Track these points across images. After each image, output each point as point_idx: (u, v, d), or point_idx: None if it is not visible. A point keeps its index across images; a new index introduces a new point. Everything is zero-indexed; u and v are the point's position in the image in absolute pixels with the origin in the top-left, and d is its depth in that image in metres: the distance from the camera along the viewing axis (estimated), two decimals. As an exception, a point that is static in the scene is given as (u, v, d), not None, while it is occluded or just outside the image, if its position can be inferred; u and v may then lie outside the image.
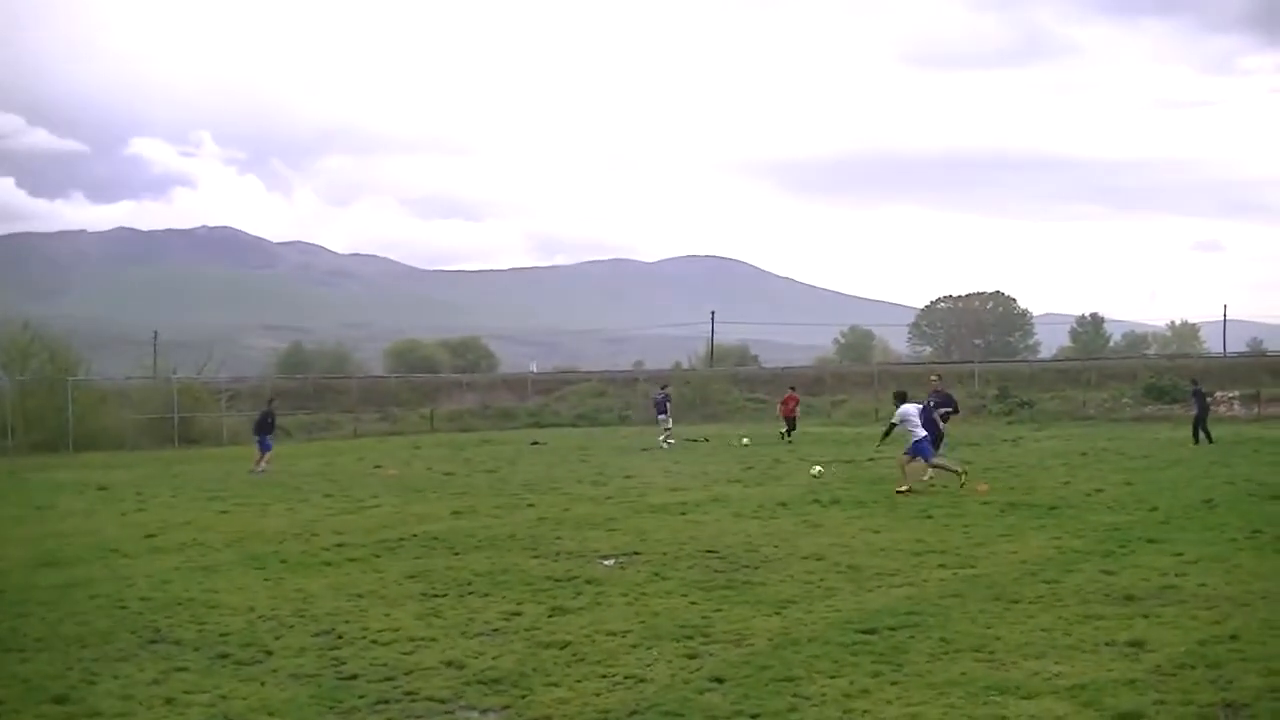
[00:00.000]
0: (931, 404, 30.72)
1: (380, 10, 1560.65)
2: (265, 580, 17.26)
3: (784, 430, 48.68)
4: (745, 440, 30.49)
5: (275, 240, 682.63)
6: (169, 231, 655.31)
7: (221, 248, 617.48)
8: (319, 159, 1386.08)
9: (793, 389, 53.68)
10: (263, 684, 11.59)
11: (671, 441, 47.17)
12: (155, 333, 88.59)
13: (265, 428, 39.16)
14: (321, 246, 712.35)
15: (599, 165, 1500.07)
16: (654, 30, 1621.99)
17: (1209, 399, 44.96)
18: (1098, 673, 11.10)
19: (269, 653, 12.80)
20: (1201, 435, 40.35)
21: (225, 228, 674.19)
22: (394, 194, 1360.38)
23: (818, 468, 31.87)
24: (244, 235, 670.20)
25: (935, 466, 27.88)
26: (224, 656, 12.67)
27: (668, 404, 50.75)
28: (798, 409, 51.50)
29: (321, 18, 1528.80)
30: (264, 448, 38.46)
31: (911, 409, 28.54)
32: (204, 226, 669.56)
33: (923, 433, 27.92)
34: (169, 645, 13.24)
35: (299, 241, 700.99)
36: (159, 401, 58.46)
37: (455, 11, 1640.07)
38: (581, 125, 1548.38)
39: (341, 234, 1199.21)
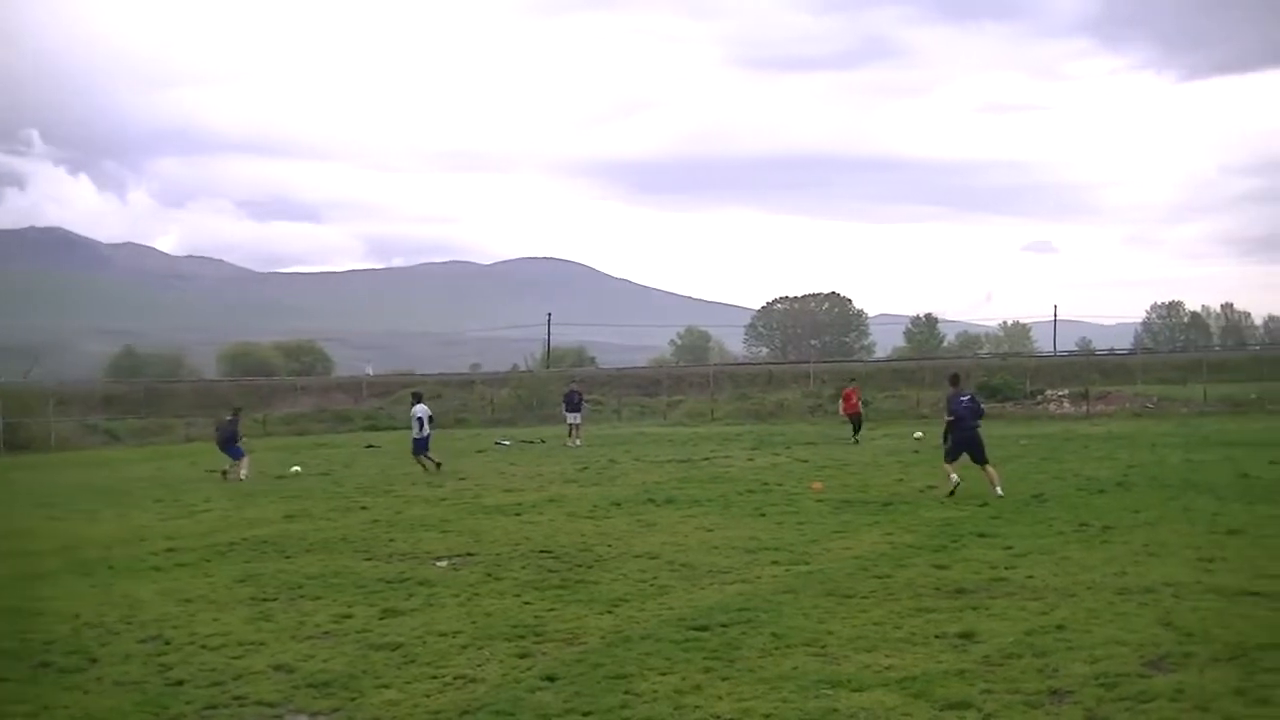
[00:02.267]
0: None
1: (213, 9, 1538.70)
2: (92, 587, 16.95)
3: (852, 430, 43.77)
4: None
5: (107, 242, 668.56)
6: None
7: (51, 249, 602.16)
8: (153, 160, 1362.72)
9: (853, 379, 51.55)
10: (86, 692, 11.36)
11: (579, 441, 45.88)
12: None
13: (230, 439, 35.93)
14: (155, 249, 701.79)
15: (436, 167, 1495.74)
16: (487, 31, 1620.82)
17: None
18: (928, 664, 11.26)
19: (94, 660, 12.56)
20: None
21: (55, 229, 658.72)
22: (230, 195, 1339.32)
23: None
24: (75, 236, 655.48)
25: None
26: (46, 665, 12.40)
27: (577, 398, 48.67)
28: (859, 403, 45.44)
29: (154, 15, 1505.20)
30: (235, 455, 35.39)
31: (421, 410, 32.40)
32: (33, 227, 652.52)
33: (421, 434, 31.55)
34: (-11, 655, 12.92)
35: (131, 243, 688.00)
36: (-17, 407, 56.99)
37: (290, 11, 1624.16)
38: (419, 127, 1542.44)
39: (176, 236, 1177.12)
